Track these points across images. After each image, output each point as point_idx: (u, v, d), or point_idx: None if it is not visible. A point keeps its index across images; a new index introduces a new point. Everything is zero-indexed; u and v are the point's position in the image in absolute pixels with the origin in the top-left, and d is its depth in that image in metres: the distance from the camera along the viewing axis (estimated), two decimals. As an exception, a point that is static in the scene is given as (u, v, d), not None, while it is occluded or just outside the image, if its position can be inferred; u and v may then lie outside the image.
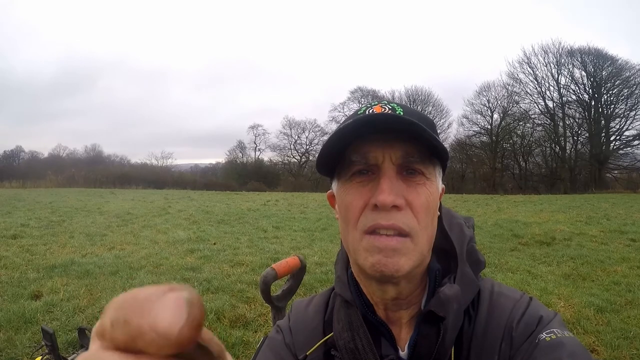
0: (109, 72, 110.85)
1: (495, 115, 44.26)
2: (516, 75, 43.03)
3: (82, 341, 3.58)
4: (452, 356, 0.87)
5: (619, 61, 37.63)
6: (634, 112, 36.81)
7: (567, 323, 4.78)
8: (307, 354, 0.97)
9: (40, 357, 3.53)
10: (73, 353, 3.76)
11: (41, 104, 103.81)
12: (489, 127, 44.51)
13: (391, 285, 0.87)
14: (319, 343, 0.98)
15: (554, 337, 0.79)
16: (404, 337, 0.93)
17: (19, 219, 13.21)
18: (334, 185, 0.94)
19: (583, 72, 39.46)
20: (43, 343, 3.62)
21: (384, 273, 0.80)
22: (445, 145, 0.87)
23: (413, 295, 0.91)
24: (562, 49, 40.49)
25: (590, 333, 4.54)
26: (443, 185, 0.94)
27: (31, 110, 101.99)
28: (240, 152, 55.54)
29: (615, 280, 6.38)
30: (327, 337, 0.98)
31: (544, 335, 0.81)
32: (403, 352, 0.91)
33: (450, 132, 47.89)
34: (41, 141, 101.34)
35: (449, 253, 0.95)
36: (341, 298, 0.98)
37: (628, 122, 37.42)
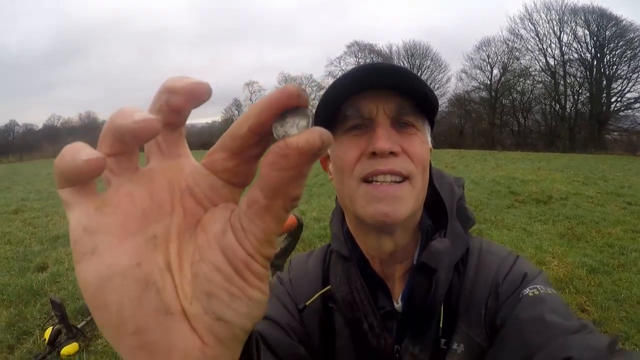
0: (102, 38, 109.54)
1: (495, 71, 43.83)
2: (517, 31, 42.17)
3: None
4: (442, 310, 0.91)
5: (624, 22, 36.74)
6: (637, 74, 36.31)
7: (560, 282, 4.87)
8: (307, 304, 1.00)
9: (51, 327, 3.59)
10: (82, 321, 3.86)
11: (34, 77, 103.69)
12: (489, 82, 44.12)
13: (388, 237, 0.91)
14: (317, 295, 1.01)
15: (536, 292, 0.83)
16: (397, 290, 0.97)
17: (18, 193, 13.30)
18: None
19: (586, 31, 38.59)
20: (53, 313, 3.69)
21: (385, 222, 0.83)
22: (437, 96, 0.90)
23: (407, 248, 0.95)
24: (565, 6, 39.50)
25: (581, 293, 4.62)
26: (431, 146, 0.96)
27: (24, 83, 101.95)
28: (237, 110, 55.28)
29: (609, 242, 6.43)
30: (324, 289, 1.01)
31: (527, 290, 0.84)
32: (398, 305, 0.95)
33: (449, 87, 47.57)
34: (35, 113, 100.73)
35: (440, 210, 0.99)
36: (337, 253, 1.01)
37: (630, 84, 36.91)
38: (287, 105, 0.29)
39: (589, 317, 4.06)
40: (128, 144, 0.31)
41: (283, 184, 0.29)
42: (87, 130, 55.21)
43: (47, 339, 3.51)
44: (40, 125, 63.54)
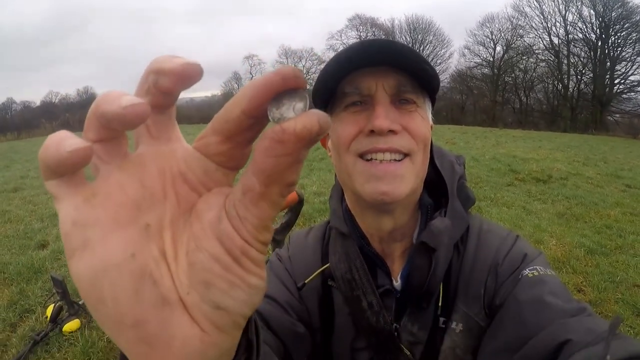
0: (100, 15, 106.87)
1: (498, 48, 43.50)
2: (522, 8, 41.69)
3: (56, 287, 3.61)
4: (441, 289, 0.91)
5: (630, 4, 36.06)
6: (642, 57, 35.82)
7: (558, 262, 4.89)
8: (306, 282, 1.00)
9: (53, 304, 3.57)
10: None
11: (31, 54, 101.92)
12: (491, 59, 43.83)
13: (387, 215, 0.91)
14: (316, 273, 1.01)
15: (536, 274, 0.83)
16: (396, 269, 0.97)
17: (17, 171, 13.12)
18: None
19: (592, 11, 37.99)
20: (54, 291, 3.68)
21: (385, 201, 0.83)
22: (439, 73, 0.89)
23: (406, 227, 0.95)
24: (571, -15, 38.77)
25: (579, 273, 4.64)
26: (432, 123, 0.95)
27: (21, 60, 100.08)
28: (236, 83, 54.38)
29: (607, 224, 6.43)
30: (323, 267, 1.02)
31: (526, 271, 0.85)
32: (397, 283, 0.95)
33: (451, 62, 47.34)
34: (33, 91, 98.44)
35: (440, 189, 0.98)
36: (336, 230, 1.01)
37: (634, 66, 36.51)
38: (283, 87, 0.28)
39: (585, 298, 4.09)
40: (115, 131, 0.30)
41: (279, 171, 0.28)
42: (85, 106, 53.90)
43: (48, 316, 3.51)
44: (38, 102, 62.70)
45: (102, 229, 0.29)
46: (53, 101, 61.91)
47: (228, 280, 0.30)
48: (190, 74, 0.30)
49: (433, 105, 0.96)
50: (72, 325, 3.53)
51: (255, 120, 0.30)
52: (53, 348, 3.37)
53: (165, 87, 0.30)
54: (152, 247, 0.31)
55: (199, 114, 43.11)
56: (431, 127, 0.94)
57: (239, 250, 0.30)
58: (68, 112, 48.65)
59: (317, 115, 0.28)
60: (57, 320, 3.51)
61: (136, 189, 0.31)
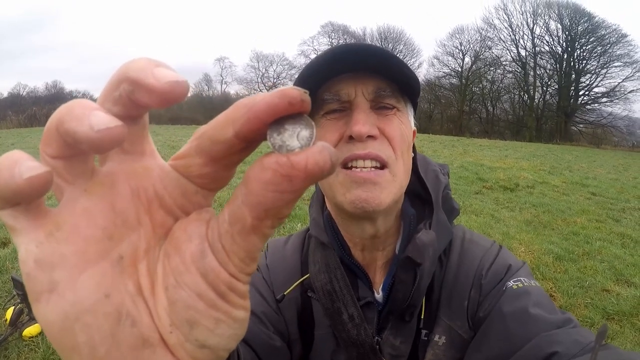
0: (71, 8, 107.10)
1: (467, 59, 44.85)
2: (491, 21, 43.22)
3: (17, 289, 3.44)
4: (424, 301, 0.90)
5: (596, 19, 37.94)
6: (605, 70, 37.56)
7: (527, 268, 4.90)
8: (285, 293, 0.98)
9: (13, 307, 3.37)
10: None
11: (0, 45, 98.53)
12: (460, 69, 45.11)
13: (369, 223, 0.87)
14: (295, 284, 0.99)
15: (520, 285, 0.83)
16: (378, 280, 0.95)
17: None
18: None
19: (559, 25, 39.72)
20: (14, 292, 3.46)
21: (365, 209, 0.80)
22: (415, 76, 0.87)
23: (388, 235, 0.92)
24: (540, -1, 40.26)
25: (548, 279, 4.67)
26: (414, 128, 0.94)
27: None
28: (206, 85, 55.05)
29: (574, 230, 6.53)
30: (303, 278, 0.99)
31: (511, 283, 0.84)
32: (378, 295, 0.93)
33: (420, 71, 48.26)
34: (0, 82, 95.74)
35: (424, 199, 0.97)
36: (316, 240, 0.98)
37: (598, 79, 38.21)
38: (287, 112, 0.25)
39: (555, 304, 4.05)
40: (83, 151, 0.26)
41: (278, 206, 0.25)
42: (52, 100, 53.30)
43: (8, 319, 3.33)
44: (5, 94, 61.23)
45: (70, 269, 0.26)
46: (21, 93, 60.39)
47: (213, 317, 0.27)
48: (177, 95, 0.25)
49: (415, 109, 0.94)
50: (32, 329, 3.34)
51: (248, 144, 0.27)
52: (12, 354, 3.17)
53: (143, 103, 0.26)
54: (127, 283, 0.27)
55: (168, 112, 42.56)
56: (414, 132, 0.93)
57: (225, 285, 0.27)
58: (35, 106, 47.59)
59: (328, 151, 0.24)
60: (17, 323, 3.32)
61: (107, 215, 0.27)
